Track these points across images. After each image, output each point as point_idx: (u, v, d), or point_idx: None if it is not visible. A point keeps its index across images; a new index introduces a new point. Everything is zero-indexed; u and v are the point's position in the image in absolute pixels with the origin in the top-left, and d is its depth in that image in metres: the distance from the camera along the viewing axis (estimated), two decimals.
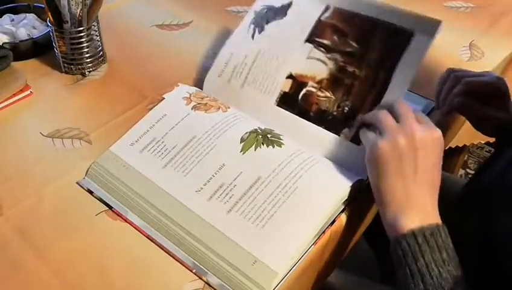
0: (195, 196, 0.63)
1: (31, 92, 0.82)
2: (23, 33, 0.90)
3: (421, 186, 0.57)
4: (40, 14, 0.94)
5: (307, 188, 0.62)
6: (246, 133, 0.68)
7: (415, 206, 0.56)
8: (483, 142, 1.19)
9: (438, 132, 0.58)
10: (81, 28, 0.83)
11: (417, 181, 0.57)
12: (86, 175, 0.68)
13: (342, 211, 0.63)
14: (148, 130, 0.71)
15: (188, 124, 0.71)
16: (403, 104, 0.61)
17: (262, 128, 0.70)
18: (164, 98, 0.75)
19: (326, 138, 0.68)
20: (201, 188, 0.64)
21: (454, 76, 0.74)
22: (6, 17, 0.93)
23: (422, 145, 0.57)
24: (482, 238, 0.61)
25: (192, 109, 0.73)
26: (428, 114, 0.77)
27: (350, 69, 0.70)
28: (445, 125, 0.80)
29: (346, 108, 0.69)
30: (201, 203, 0.63)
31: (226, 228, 0.60)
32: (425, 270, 0.52)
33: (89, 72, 0.87)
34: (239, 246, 0.58)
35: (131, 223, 0.62)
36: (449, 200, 0.61)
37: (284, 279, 0.57)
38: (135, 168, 0.67)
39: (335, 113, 0.69)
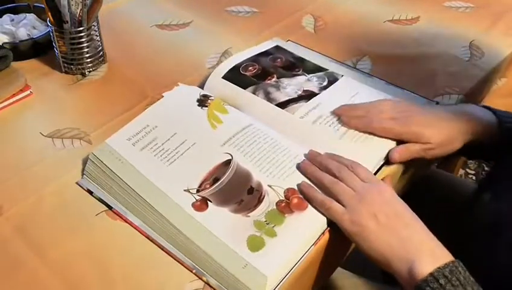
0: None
1: (31, 92, 0.82)
2: (23, 33, 0.90)
3: (417, 229, 0.58)
4: (40, 14, 0.94)
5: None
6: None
7: (424, 251, 0.56)
8: None
9: (381, 184, 0.62)
10: (81, 28, 0.83)
11: (408, 228, 0.58)
12: (83, 170, 0.68)
13: None
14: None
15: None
16: (344, 169, 0.64)
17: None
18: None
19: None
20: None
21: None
22: (6, 17, 0.93)
23: (383, 200, 0.60)
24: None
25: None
26: None
27: None
28: None
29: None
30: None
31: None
32: None
33: (89, 72, 0.87)
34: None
35: (131, 224, 0.62)
36: (460, 200, 0.60)
37: (283, 280, 0.57)
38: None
39: None
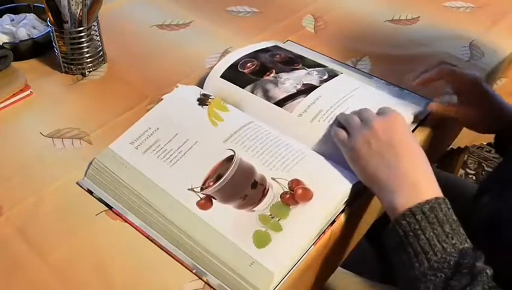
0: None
1: (31, 92, 0.82)
2: (23, 33, 0.90)
3: (404, 162, 0.59)
4: (40, 14, 0.94)
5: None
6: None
7: (406, 183, 0.57)
8: (484, 143, 1.19)
9: (395, 113, 0.64)
10: (81, 28, 0.83)
11: (397, 158, 0.59)
12: (85, 173, 0.68)
13: (342, 211, 0.63)
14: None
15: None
16: (365, 109, 0.68)
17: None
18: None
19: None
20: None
21: (438, 62, 0.77)
22: (7, 17, 0.93)
23: (384, 127, 0.62)
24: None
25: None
26: (428, 114, 0.76)
27: None
28: (445, 127, 0.80)
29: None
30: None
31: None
32: (428, 247, 0.52)
33: (89, 72, 0.87)
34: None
35: (131, 224, 0.62)
36: (460, 200, 0.60)
37: (284, 280, 0.57)
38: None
39: None
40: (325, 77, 0.78)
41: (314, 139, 0.70)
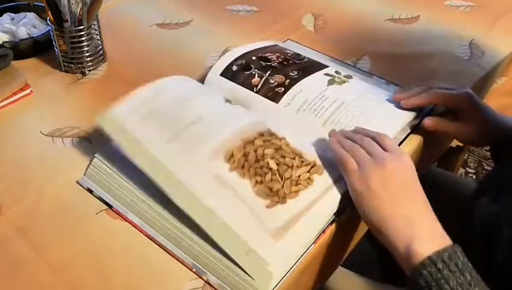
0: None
1: (31, 91, 0.82)
2: (23, 32, 0.90)
3: (417, 206, 0.57)
4: (40, 13, 0.94)
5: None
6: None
7: (423, 230, 0.55)
8: None
9: (406, 156, 0.61)
10: (81, 27, 0.83)
11: (411, 202, 0.57)
12: (85, 172, 0.68)
13: (342, 210, 0.63)
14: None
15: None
16: (369, 141, 0.63)
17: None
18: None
19: None
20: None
21: (426, 86, 0.75)
22: (7, 16, 0.93)
23: (398, 169, 0.59)
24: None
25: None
26: (427, 114, 0.76)
27: None
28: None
29: None
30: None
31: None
32: None
33: (89, 71, 0.87)
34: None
35: (131, 222, 0.62)
36: (459, 200, 0.60)
37: (283, 279, 0.57)
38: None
39: None
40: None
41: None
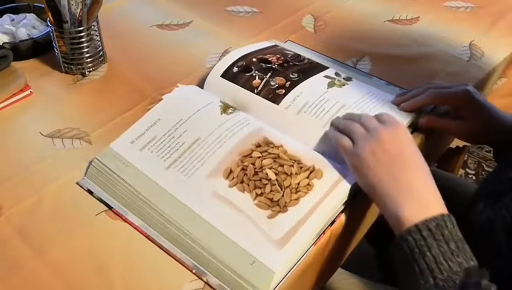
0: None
1: (31, 91, 0.82)
2: (23, 33, 0.90)
3: (410, 175, 0.58)
4: (40, 14, 0.94)
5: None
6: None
7: (412, 197, 0.56)
8: None
9: (400, 124, 0.64)
10: (81, 28, 0.83)
11: (404, 171, 0.58)
12: (85, 173, 0.68)
13: (342, 211, 0.63)
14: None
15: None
16: (366, 115, 0.67)
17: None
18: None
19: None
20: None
21: (426, 86, 0.75)
22: (7, 17, 0.93)
23: (390, 138, 0.61)
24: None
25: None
26: (429, 112, 0.76)
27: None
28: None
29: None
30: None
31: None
32: (434, 265, 0.51)
33: (89, 72, 0.87)
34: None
35: (131, 224, 0.62)
36: (459, 201, 0.60)
37: (284, 279, 0.57)
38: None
39: None
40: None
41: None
